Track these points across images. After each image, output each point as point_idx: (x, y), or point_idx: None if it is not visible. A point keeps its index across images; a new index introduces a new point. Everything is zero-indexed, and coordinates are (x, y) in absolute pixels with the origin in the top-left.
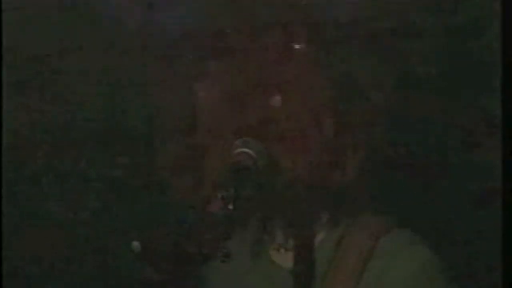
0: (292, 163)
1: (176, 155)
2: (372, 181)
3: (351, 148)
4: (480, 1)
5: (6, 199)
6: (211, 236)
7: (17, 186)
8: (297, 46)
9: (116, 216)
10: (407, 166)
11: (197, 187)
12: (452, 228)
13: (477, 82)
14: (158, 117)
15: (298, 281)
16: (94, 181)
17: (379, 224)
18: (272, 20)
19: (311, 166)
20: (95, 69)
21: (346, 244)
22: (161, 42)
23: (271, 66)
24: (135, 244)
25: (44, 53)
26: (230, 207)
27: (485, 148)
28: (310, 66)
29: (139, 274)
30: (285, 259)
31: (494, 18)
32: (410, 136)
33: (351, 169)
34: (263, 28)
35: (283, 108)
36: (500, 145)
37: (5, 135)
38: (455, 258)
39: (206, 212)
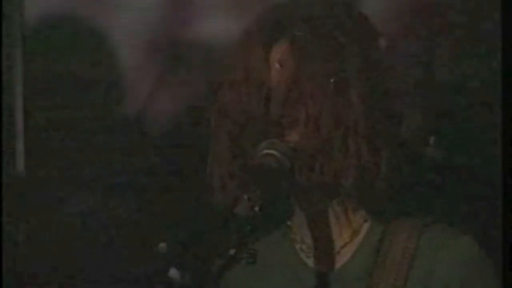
0: (321, 164)
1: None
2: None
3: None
4: None
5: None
6: (237, 237)
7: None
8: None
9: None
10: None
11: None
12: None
13: None
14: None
15: (321, 281)
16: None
17: (418, 220)
18: None
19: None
20: None
21: (389, 242)
22: None
23: None
24: (162, 245)
25: None
26: (256, 208)
27: None
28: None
29: (163, 276)
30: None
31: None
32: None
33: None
34: None
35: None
36: None
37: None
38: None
39: (233, 214)
